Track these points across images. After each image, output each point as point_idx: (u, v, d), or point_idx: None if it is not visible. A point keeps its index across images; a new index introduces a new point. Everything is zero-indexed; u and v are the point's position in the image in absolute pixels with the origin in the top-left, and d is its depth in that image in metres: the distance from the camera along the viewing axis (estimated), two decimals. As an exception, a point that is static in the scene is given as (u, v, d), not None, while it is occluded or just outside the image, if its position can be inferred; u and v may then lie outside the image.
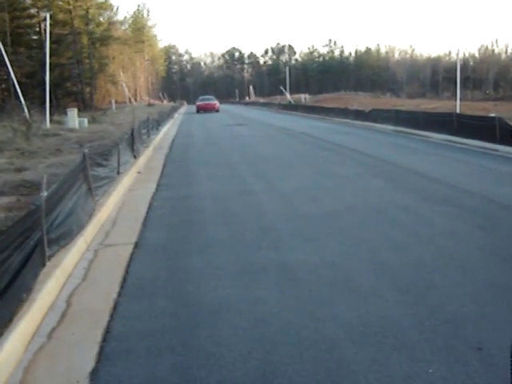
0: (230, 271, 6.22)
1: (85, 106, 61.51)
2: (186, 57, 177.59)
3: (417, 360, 4.03)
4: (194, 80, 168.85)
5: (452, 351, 4.15)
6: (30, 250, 5.51)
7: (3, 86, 62.16)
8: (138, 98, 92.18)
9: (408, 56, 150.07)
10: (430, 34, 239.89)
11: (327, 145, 20.19)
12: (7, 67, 32.99)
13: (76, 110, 30.83)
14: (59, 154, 16.81)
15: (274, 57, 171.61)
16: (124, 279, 6.11)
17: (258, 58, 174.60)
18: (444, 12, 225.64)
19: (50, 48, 31.28)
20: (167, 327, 4.79)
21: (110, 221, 9.03)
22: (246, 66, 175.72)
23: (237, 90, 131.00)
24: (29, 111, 28.05)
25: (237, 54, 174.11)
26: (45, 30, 41.86)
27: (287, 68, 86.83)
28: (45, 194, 6.08)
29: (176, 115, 54.60)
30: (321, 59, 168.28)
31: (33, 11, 65.94)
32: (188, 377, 3.97)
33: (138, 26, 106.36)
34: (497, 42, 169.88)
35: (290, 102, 65.64)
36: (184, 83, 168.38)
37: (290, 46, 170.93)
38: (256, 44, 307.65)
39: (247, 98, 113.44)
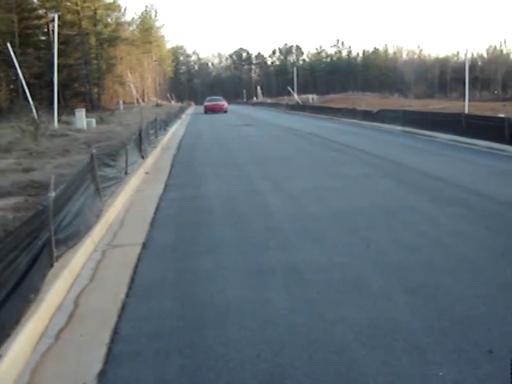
0: (237, 272, 6.19)
1: (93, 107, 61.70)
2: (193, 57, 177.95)
3: (427, 363, 3.99)
4: (202, 80, 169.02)
5: (462, 354, 4.11)
6: (37, 251, 5.49)
7: (12, 86, 62.46)
8: (146, 99, 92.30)
9: (416, 56, 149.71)
10: (438, 34, 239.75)
11: (335, 145, 20.15)
12: (16, 68, 33.11)
13: (84, 110, 30.89)
14: (67, 154, 16.82)
15: (282, 57, 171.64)
16: (132, 280, 6.09)
17: (265, 58, 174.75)
18: (452, 12, 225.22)
19: (58, 49, 31.37)
20: (175, 328, 4.77)
21: (117, 221, 9.02)
22: (253, 67, 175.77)
23: (244, 91, 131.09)
24: (37, 112, 28.09)
25: (244, 55, 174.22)
26: (53, 30, 42.00)
27: (295, 68, 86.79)
28: (53, 194, 6.07)
29: (183, 116, 54.63)
30: (328, 60, 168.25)
31: (41, 12, 66.25)
32: (196, 379, 3.94)
33: (146, 26, 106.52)
34: (505, 42, 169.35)
35: (298, 102, 65.56)
36: (192, 84, 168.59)
37: (297, 46, 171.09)
38: (263, 44, 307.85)
39: (255, 98, 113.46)
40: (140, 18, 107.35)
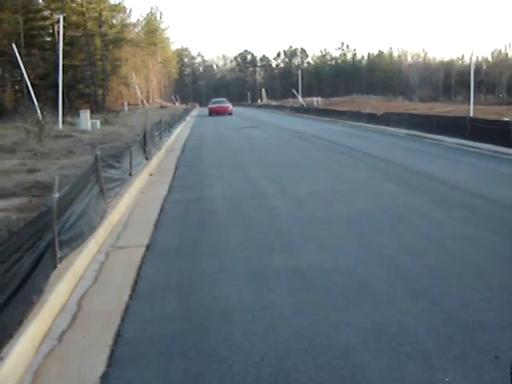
0: (242, 275, 6.16)
1: (97, 108, 61.82)
2: (198, 59, 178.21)
3: (433, 368, 3.95)
4: (207, 82, 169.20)
5: (468, 359, 4.07)
6: (41, 252, 5.47)
7: (17, 87, 62.64)
8: (151, 100, 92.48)
9: (421, 59, 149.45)
10: (443, 37, 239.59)
11: (340, 148, 20.11)
12: (21, 69, 33.21)
13: (88, 111, 30.98)
14: (71, 155, 16.84)
15: (287, 60, 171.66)
16: (135, 282, 6.07)
17: (270, 60, 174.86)
18: (457, 15, 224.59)
19: (63, 50, 31.43)
20: (179, 331, 4.74)
21: (121, 223, 9.01)
22: (258, 69, 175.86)
23: (249, 93, 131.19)
24: (41, 112, 28.12)
25: (249, 57, 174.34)
26: (58, 31, 42.08)
27: (299, 71, 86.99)
28: (57, 195, 6.05)
29: (188, 118, 54.65)
30: (333, 62, 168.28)
31: (46, 13, 66.44)
32: (200, 382, 3.92)
33: (151, 28, 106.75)
34: (510, 46, 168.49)
35: (303, 104, 65.62)
36: (196, 86, 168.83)
37: (302, 49, 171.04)
38: (268, 47, 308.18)
39: (259, 100, 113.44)
40: (145, 19, 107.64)
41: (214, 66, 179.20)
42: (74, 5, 68.52)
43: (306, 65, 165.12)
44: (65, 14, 52.18)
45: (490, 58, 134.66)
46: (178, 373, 4.05)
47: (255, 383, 3.85)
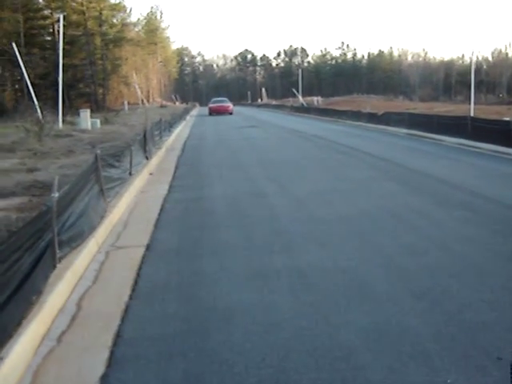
0: (242, 275, 6.13)
1: (97, 107, 61.78)
2: (198, 59, 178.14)
3: (435, 369, 3.92)
4: (207, 82, 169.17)
5: (471, 361, 4.04)
6: (40, 252, 5.45)
7: (17, 86, 62.62)
8: (151, 100, 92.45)
9: (421, 59, 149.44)
10: (443, 37, 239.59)
11: (340, 147, 20.08)
12: (21, 68, 33.18)
13: (88, 110, 30.95)
14: (71, 154, 16.82)
15: (287, 59, 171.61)
16: (135, 282, 6.04)
17: (270, 60, 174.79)
18: (457, 15, 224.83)
19: (64, 49, 31.40)
20: (179, 332, 4.72)
21: (121, 222, 8.98)
22: (258, 69, 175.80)
23: (249, 92, 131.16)
24: (41, 112, 28.09)
25: (249, 57, 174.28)
26: (58, 31, 42.07)
27: (300, 70, 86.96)
28: (56, 195, 6.02)
29: (188, 117, 54.63)
30: (333, 62, 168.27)
31: (46, 12, 66.40)
32: (200, 383, 3.89)
33: (151, 27, 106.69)
34: (510, 46, 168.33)
35: (303, 104, 65.59)
36: (196, 85, 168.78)
37: (302, 48, 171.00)
38: (268, 46, 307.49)
39: (259, 100, 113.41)
40: (145, 18, 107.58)
41: (214, 66, 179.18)
42: (74, 4, 68.50)
43: (306, 64, 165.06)
44: (65, 13, 52.22)
45: (490, 58, 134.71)
46: (178, 374, 4.02)
47: (256, 384, 3.83)
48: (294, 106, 64.70)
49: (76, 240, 6.78)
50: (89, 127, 28.07)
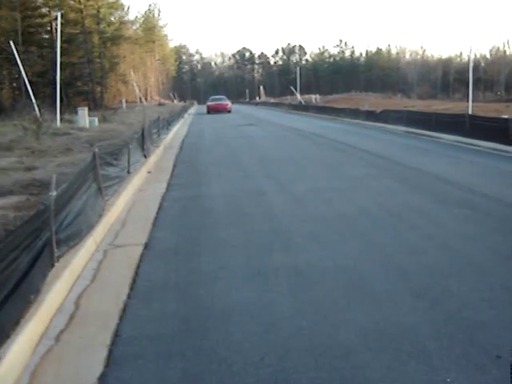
0: (241, 274, 6.12)
1: (95, 105, 61.69)
2: (196, 57, 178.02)
3: (434, 368, 3.91)
4: (205, 80, 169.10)
5: (470, 359, 4.03)
6: (38, 251, 5.42)
7: (14, 84, 62.49)
8: (149, 98, 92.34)
9: (419, 57, 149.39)
10: (441, 34, 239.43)
11: (339, 145, 20.07)
12: (18, 66, 33.10)
13: (86, 109, 30.86)
14: (69, 153, 16.78)
15: (285, 57, 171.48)
16: (133, 281, 6.02)
17: (268, 58, 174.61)
18: (455, 13, 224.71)
19: (61, 47, 31.32)
20: (177, 331, 4.70)
21: (119, 221, 8.96)
22: (256, 66, 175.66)
23: (247, 90, 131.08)
24: (39, 110, 28.08)
25: (247, 54, 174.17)
26: (56, 29, 42.03)
27: (298, 68, 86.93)
28: (54, 193, 6.00)
29: (186, 115, 54.55)
30: (331, 60, 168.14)
31: (44, 10, 66.22)
32: (199, 383, 3.88)
33: (149, 25, 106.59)
34: (508, 43, 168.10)
35: (301, 102, 65.53)
36: (194, 83, 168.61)
37: (300, 46, 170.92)
38: (266, 44, 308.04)
39: (257, 98, 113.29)
40: (143, 16, 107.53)
41: (212, 64, 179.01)
42: (71, 2, 68.33)
43: (304, 62, 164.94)
44: (63, 12, 52.01)
45: (488, 56, 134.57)
46: (177, 373, 4.01)
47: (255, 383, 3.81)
48: (292, 104, 64.65)
49: (74, 239, 6.76)
50: (87, 125, 28.01)
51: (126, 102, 66.45)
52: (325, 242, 7.25)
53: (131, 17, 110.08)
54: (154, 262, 6.72)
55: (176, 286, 5.86)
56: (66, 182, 7.19)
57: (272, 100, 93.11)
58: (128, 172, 12.62)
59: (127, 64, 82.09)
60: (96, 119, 30.50)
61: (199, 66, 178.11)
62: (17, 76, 55.82)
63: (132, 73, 75.32)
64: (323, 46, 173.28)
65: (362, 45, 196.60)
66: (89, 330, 4.79)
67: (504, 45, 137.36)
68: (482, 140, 18.46)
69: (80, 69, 70.04)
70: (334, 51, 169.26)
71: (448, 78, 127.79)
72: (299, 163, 15.44)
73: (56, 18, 41.98)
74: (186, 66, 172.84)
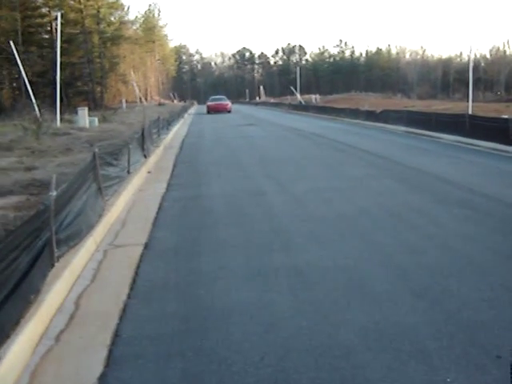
0: (241, 274, 6.11)
1: (95, 105, 61.67)
2: (196, 57, 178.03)
3: (435, 368, 3.91)
4: (205, 80, 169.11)
5: (470, 359, 4.03)
6: (38, 251, 5.42)
7: (14, 84, 62.47)
8: (149, 98, 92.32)
9: (419, 57, 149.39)
10: (441, 34, 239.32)
11: (339, 145, 20.06)
12: (18, 66, 33.10)
13: (86, 109, 30.85)
14: (69, 153, 16.77)
15: (285, 57, 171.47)
16: (133, 281, 6.02)
17: (268, 58, 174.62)
18: (455, 13, 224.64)
19: (61, 47, 31.31)
20: (177, 331, 4.70)
21: (119, 221, 8.96)
22: (256, 67, 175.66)
23: (247, 90, 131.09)
24: (39, 110, 28.07)
25: (247, 54, 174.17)
26: (56, 29, 42.02)
27: (298, 68, 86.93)
28: (54, 193, 6.00)
29: (186, 115, 54.53)
30: (331, 60, 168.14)
31: (44, 10, 66.20)
32: (199, 383, 3.88)
33: (149, 25, 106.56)
34: (508, 43, 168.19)
35: (301, 102, 65.52)
36: (194, 83, 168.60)
37: (300, 46, 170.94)
38: (266, 44, 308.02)
39: (257, 98, 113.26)
40: (143, 16, 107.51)
41: (212, 64, 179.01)
42: (71, 2, 68.31)
43: (304, 62, 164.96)
44: (63, 12, 52.00)
45: (488, 56, 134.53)
46: (177, 373, 4.01)
47: (255, 384, 3.81)
48: (292, 104, 64.63)
49: (74, 239, 6.76)
50: (87, 125, 28.00)
51: (126, 102, 66.44)
52: (325, 242, 7.25)
53: (131, 17, 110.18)
54: (154, 262, 6.72)
55: (176, 286, 5.86)
56: (66, 182, 7.19)
57: (272, 100, 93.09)
58: (128, 172, 12.61)
59: (127, 64, 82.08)
60: (96, 119, 30.49)
61: (199, 66, 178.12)
62: (17, 76, 55.82)
63: (132, 73, 75.32)
64: (323, 46, 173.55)
65: (361, 45, 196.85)
66: (89, 330, 4.78)
67: (504, 45, 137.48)
68: (482, 140, 18.46)
69: (80, 69, 70.03)
70: (334, 51, 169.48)
71: (448, 78, 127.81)
72: (299, 163, 15.43)
73: (56, 18, 41.99)
74: (186, 66, 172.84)
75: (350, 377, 3.84)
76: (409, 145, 20.10)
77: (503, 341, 4.26)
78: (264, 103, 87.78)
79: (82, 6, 68.08)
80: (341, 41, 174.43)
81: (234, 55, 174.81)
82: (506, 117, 20.76)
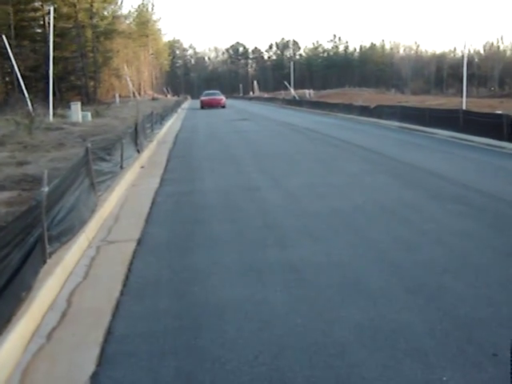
0: (235, 270, 6.07)
1: (88, 100, 61.37)
2: (190, 51, 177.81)
3: (430, 366, 3.88)
4: (198, 75, 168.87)
5: (466, 357, 3.99)
6: (30, 247, 5.36)
7: (7, 79, 62.07)
8: (142, 92, 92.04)
9: (413, 52, 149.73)
10: (435, 30, 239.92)
11: (332, 140, 20.03)
12: (11, 60, 32.93)
13: (79, 103, 30.69)
14: (62, 147, 16.68)
15: (279, 52, 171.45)
16: (126, 277, 5.97)
17: (262, 52, 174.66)
18: (449, 8, 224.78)
19: (54, 41, 31.15)
20: (171, 328, 4.65)
21: (112, 217, 8.90)
22: (250, 61, 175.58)
23: (241, 85, 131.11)
24: (32, 105, 27.92)
25: (241, 49, 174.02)
26: (49, 23, 41.79)
27: (292, 63, 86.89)
28: (46, 189, 5.94)
29: (180, 110, 54.44)
30: (325, 55, 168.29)
31: (37, 4, 65.73)
32: (192, 381, 3.83)
33: (143, 20, 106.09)
34: (502, 39, 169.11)
35: (295, 97, 65.44)
36: (188, 78, 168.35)
37: (294, 41, 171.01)
38: (260, 39, 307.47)
39: (251, 93, 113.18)
40: (137, 11, 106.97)
41: (206, 58, 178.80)
42: (64, -4, 68.00)
43: (298, 57, 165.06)
44: (55, 6, 51.74)
45: (482, 51, 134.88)
46: (170, 371, 3.96)
47: (249, 382, 3.76)
48: (285, 99, 64.58)
49: (66, 235, 6.69)
50: (80, 120, 27.87)
51: (120, 96, 66.20)
52: (319, 238, 7.21)
53: (124, 11, 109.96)
54: (146, 258, 6.67)
55: (169, 282, 5.81)
56: (59, 177, 7.13)
57: (266, 95, 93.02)
58: (121, 167, 12.54)
59: (120, 58, 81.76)
60: (89, 114, 30.35)
61: (193, 61, 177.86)
62: (9, 70, 55.40)
63: (125, 67, 75.07)
64: (317, 41, 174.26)
65: (355, 40, 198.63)
66: (81, 328, 4.73)
67: (498, 40, 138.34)
68: (476, 135, 18.44)
69: (73, 63, 69.68)
70: (328, 46, 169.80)
71: (442, 73, 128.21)
72: (293, 158, 15.39)
73: (49, 12, 41.71)
74: (180, 61, 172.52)
75: (345, 375, 3.80)
76: (403, 140, 20.08)
77: (500, 338, 4.22)
78: (258, 98, 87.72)
79: (75, 1, 67.67)
80: (335, 36, 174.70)
81: (227, 50, 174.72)
82: (499, 112, 20.79)
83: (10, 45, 33.59)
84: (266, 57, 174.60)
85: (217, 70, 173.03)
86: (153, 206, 9.65)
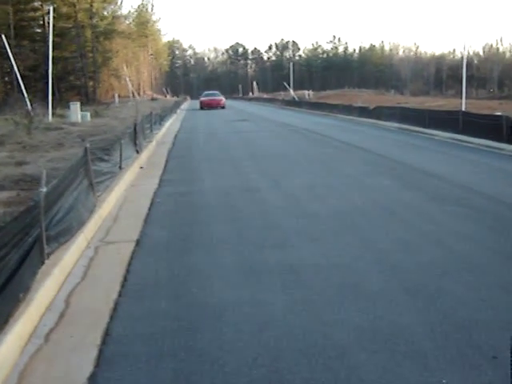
0: (233, 271, 6.05)
1: (88, 100, 61.32)
2: (189, 52, 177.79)
3: (430, 369, 3.86)
4: (198, 75, 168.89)
5: (466, 360, 3.98)
6: (28, 248, 5.34)
7: (6, 79, 62.01)
8: (142, 93, 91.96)
9: (412, 53, 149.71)
10: (435, 31, 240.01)
11: (332, 142, 20.02)
12: (10, 60, 32.88)
13: (79, 103, 30.65)
14: (61, 148, 16.65)
15: (278, 53, 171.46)
16: (125, 278, 5.94)
17: (261, 53, 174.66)
18: (449, 10, 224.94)
19: (54, 41, 31.15)
20: (169, 330, 4.62)
21: (111, 217, 8.87)
22: (249, 62, 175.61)
23: (240, 86, 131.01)
24: (31, 104, 27.88)
25: (240, 50, 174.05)
26: (48, 23, 41.75)
27: (291, 64, 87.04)
28: (44, 189, 5.91)
29: (179, 110, 54.35)
30: (325, 56, 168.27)
31: (37, 4, 65.68)
32: (190, 383, 3.81)
33: (142, 20, 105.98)
34: (501, 41, 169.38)
35: (294, 98, 65.44)
36: (187, 78, 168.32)
37: (293, 42, 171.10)
38: (260, 40, 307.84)
39: (250, 93, 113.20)
40: (136, 11, 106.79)
41: (206, 59, 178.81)
42: (64, -4, 67.95)
43: (297, 58, 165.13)
44: (55, 5, 51.74)
45: (481, 53, 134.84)
46: (168, 373, 3.94)
47: (248, 385, 3.75)
48: (285, 100, 64.58)
49: (64, 235, 6.67)
50: (79, 120, 27.84)
51: (119, 96, 66.14)
52: (318, 239, 7.19)
53: (124, 11, 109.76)
54: (145, 259, 6.64)
55: (168, 283, 5.79)
56: (57, 177, 7.10)
57: (265, 96, 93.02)
58: (120, 167, 12.52)
59: (120, 59, 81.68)
60: (88, 114, 30.32)
61: (192, 61, 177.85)
62: (9, 70, 55.33)
63: (125, 67, 74.99)
64: (317, 42, 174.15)
65: (355, 41, 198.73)
66: (79, 329, 4.71)
67: (497, 42, 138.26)
68: (475, 137, 18.44)
69: (72, 63, 69.65)
70: (328, 47, 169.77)
71: (441, 74, 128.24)
72: (292, 159, 15.38)
73: (48, 12, 41.66)
74: (179, 61, 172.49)
75: (344, 378, 3.78)
76: (402, 141, 20.07)
77: (500, 341, 4.20)
78: (257, 99, 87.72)
79: (75, 0, 67.65)
80: (334, 37, 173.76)
81: (227, 50, 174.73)
82: (499, 114, 20.77)
83: (9, 44, 33.56)
84: (265, 57, 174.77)
85: (216, 71, 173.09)
86: (152, 206, 9.62)
